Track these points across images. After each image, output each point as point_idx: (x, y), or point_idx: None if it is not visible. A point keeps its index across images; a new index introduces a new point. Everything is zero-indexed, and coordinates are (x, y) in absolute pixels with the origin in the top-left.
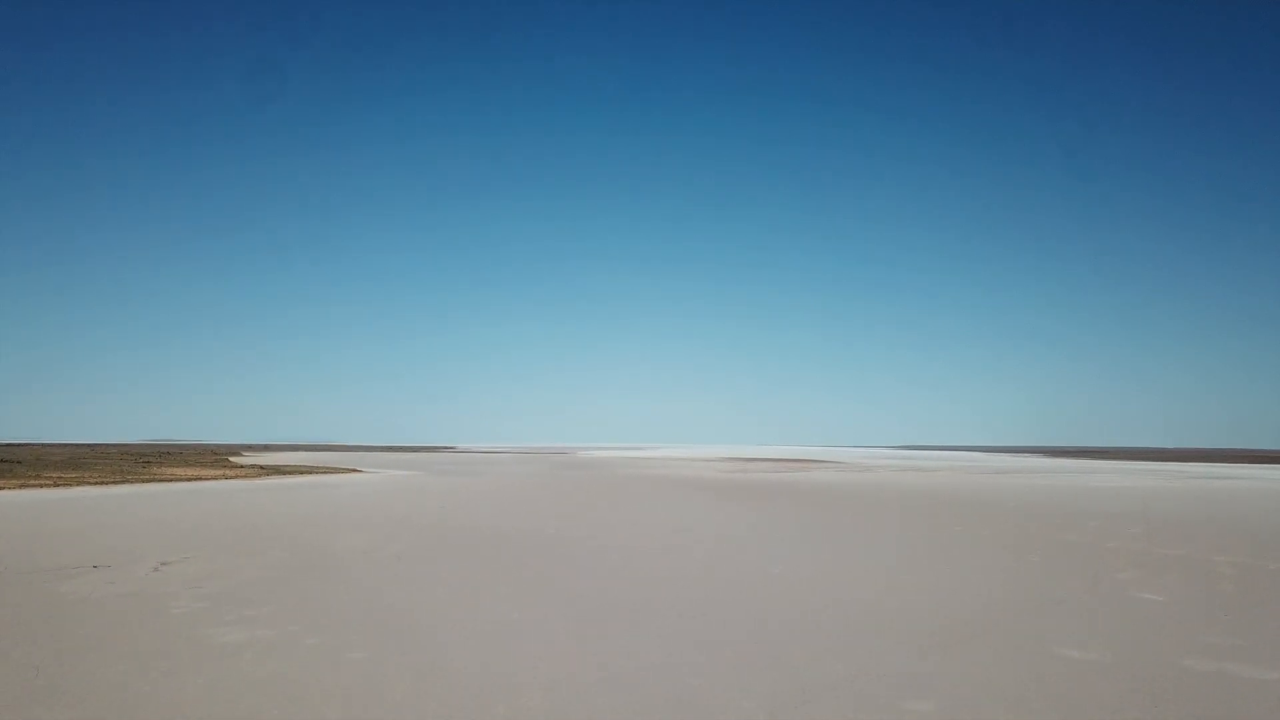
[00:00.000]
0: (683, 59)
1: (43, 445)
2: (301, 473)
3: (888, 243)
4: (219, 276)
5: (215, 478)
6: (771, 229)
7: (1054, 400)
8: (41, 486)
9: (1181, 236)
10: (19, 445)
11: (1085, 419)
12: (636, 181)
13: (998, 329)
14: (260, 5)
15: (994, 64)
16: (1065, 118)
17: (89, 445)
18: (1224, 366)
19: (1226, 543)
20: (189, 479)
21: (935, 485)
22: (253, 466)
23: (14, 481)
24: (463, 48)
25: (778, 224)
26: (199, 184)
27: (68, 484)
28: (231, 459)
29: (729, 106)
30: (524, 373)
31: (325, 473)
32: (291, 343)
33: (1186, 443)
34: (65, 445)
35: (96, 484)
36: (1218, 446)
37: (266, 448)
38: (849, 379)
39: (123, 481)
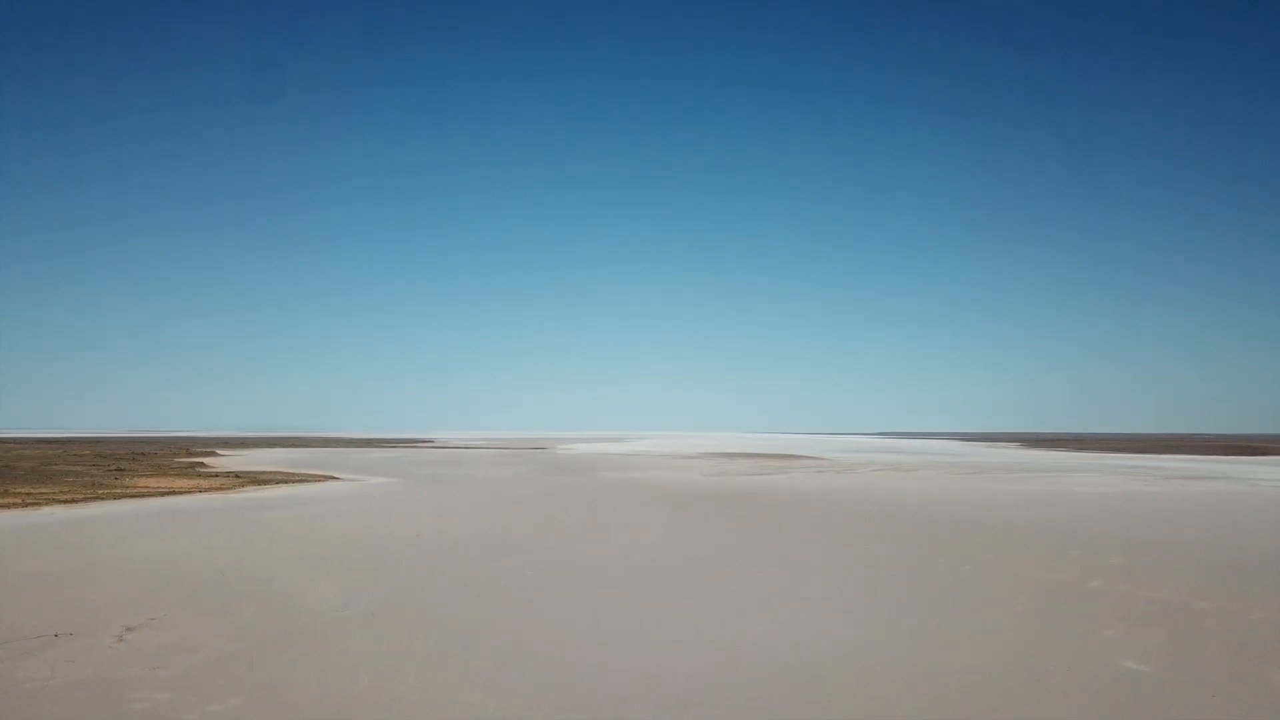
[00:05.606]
0: (677, 54)
1: (17, 440)
2: (277, 482)
3: (880, 233)
4: (205, 269)
5: (189, 490)
6: (765, 217)
7: (1037, 386)
8: (9, 506)
9: (1175, 229)
10: None
11: (1068, 404)
12: (625, 172)
13: (986, 317)
14: (261, 5)
15: (992, 59)
16: (1061, 110)
17: (62, 442)
18: (1208, 353)
19: (1209, 579)
20: (161, 492)
21: (917, 495)
22: (227, 474)
23: None
24: (455, 45)
25: (772, 212)
26: (186, 178)
27: (35, 502)
28: (206, 461)
29: (722, 99)
30: (508, 360)
31: (301, 481)
32: (275, 333)
33: (1165, 428)
34: (40, 440)
35: (65, 501)
36: (1195, 432)
37: (244, 443)
38: (835, 364)
39: (92, 498)
